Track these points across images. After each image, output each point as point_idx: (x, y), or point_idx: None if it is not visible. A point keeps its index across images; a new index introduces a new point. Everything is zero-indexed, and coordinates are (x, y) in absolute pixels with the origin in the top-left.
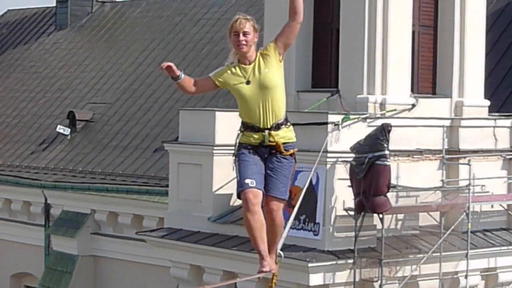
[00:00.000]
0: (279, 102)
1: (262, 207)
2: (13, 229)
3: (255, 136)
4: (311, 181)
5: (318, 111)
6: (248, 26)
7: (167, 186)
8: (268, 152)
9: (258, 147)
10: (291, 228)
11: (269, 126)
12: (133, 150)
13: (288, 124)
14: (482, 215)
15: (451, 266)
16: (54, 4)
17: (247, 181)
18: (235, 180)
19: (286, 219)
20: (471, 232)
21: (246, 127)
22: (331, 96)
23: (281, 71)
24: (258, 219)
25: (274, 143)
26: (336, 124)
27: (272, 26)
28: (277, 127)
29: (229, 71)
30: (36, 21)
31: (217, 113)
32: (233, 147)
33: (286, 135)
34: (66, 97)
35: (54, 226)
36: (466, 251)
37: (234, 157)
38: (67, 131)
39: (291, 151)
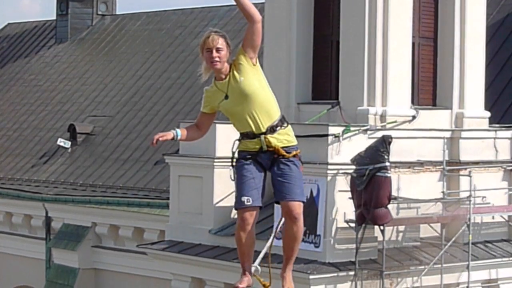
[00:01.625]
0: (266, 104)
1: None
2: (14, 243)
3: (252, 142)
4: (311, 193)
5: (318, 123)
6: (221, 42)
7: (168, 198)
8: (270, 158)
9: (257, 155)
10: None
11: (264, 130)
12: (134, 163)
13: (285, 124)
14: (483, 226)
15: (452, 277)
16: (54, 18)
17: (244, 199)
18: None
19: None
20: (472, 243)
21: (243, 135)
22: (332, 108)
23: (259, 74)
24: (250, 237)
25: (272, 149)
26: (336, 136)
27: (272, 37)
28: (272, 129)
29: (209, 94)
30: (36, 34)
31: (217, 125)
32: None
33: (284, 138)
34: (67, 110)
35: (55, 239)
36: (467, 263)
37: (232, 167)
38: (67, 144)
39: (294, 152)
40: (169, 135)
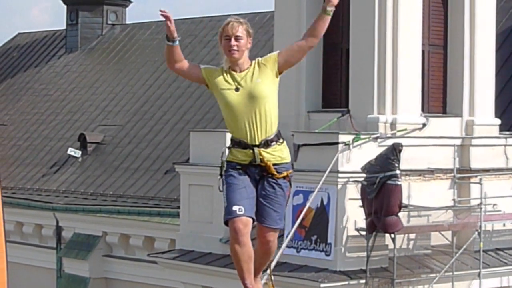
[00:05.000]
0: (269, 115)
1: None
2: (25, 252)
3: (244, 153)
4: (322, 201)
5: (328, 131)
6: (240, 30)
7: (178, 207)
8: (259, 174)
9: (247, 167)
10: (302, 248)
11: (257, 143)
12: (144, 172)
13: (281, 140)
14: (494, 234)
15: (463, 285)
16: (64, 27)
17: (235, 208)
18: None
19: (299, 239)
20: (483, 251)
21: (234, 143)
22: (342, 116)
23: (275, 85)
24: (246, 251)
25: (264, 164)
26: (346, 144)
27: (282, 45)
28: (267, 144)
29: (220, 74)
30: (46, 44)
31: (227, 134)
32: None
33: (277, 154)
34: (77, 120)
35: (65, 248)
36: (478, 270)
37: (220, 178)
38: (78, 153)
39: (285, 173)
40: (174, 32)
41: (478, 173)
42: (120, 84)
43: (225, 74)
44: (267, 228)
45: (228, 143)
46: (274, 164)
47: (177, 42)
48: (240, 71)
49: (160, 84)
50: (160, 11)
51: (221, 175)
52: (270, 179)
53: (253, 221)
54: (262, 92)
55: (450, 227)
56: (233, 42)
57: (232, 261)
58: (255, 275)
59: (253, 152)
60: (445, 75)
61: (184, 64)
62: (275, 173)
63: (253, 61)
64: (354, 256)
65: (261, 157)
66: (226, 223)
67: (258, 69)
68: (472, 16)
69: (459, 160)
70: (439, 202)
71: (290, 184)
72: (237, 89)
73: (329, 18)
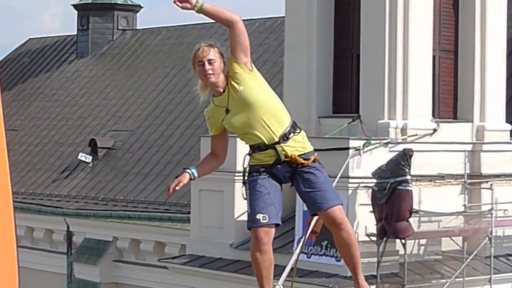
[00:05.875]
0: (274, 110)
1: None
2: (36, 257)
3: (266, 154)
4: None
5: (339, 136)
6: (212, 53)
7: (189, 213)
8: (288, 169)
9: (272, 167)
10: (313, 254)
11: (277, 140)
12: (155, 177)
13: (298, 131)
14: (505, 239)
15: None
16: (75, 32)
17: (259, 216)
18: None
19: (310, 245)
20: (494, 256)
21: (254, 148)
22: (352, 122)
23: (259, 79)
24: (267, 258)
25: (289, 159)
26: (357, 149)
27: (292, 51)
28: (286, 137)
29: (210, 115)
30: (57, 50)
31: (238, 139)
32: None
33: (299, 145)
34: (88, 125)
35: (76, 253)
36: (489, 276)
37: (243, 185)
38: (88, 158)
39: (312, 157)
40: (185, 177)
41: (489, 179)
42: (130, 90)
43: (212, 107)
44: (331, 209)
45: (239, 148)
46: (299, 156)
47: (195, 172)
48: (223, 92)
49: (171, 89)
50: (167, 195)
51: (244, 183)
52: (304, 169)
53: (277, 226)
54: (251, 95)
55: (460, 233)
56: (207, 66)
57: (254, 269)
58: (356, 273)
59: (276, 150)
60: (456, 80)
61: (216, 153)
62: (303, 161)
63: (226, 77)
64: (365, 261)
65: (284, 152)
66: (249, 228)
67: (233, 80)
68: (483, 22)
69: (469, 166)
70: (450, 208)
71: (322, 164)
72: (227, 111)
73: (204, 12)
